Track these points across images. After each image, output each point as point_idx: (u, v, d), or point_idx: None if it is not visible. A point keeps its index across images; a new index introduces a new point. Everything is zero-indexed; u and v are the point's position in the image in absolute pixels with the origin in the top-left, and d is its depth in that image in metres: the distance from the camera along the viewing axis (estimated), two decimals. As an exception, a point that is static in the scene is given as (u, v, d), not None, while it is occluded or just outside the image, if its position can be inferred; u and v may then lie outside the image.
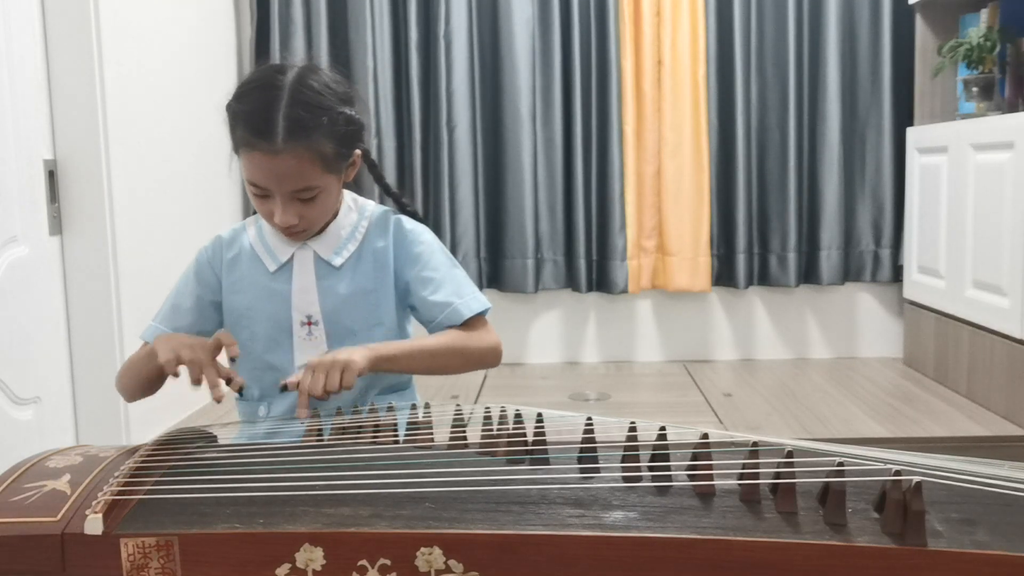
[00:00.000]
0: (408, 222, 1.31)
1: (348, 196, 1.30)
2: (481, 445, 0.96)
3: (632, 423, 0.91)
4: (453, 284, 1.27)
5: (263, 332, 1.26)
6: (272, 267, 1.26)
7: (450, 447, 0.97)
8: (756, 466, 0.84)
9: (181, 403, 2.42)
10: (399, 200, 1.37)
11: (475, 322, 1.26)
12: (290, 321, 1.25)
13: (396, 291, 1.28)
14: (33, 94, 1.93)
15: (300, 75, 1.16)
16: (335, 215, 1.27)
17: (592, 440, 0.91)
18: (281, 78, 1.15)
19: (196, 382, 1.09)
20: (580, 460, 0.90)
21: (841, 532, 0.78)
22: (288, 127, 1.11)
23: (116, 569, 0.81)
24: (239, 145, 1.16)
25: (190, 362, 1.09)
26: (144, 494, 0.87)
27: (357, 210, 1.30)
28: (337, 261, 1.25)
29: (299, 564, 0.79)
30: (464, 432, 0.99)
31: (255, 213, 1.25)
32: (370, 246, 1.27)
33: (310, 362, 1.10)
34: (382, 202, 1.40)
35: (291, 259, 1.25)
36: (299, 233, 1.22)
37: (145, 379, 1.23)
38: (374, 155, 2.58)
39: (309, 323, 1.24)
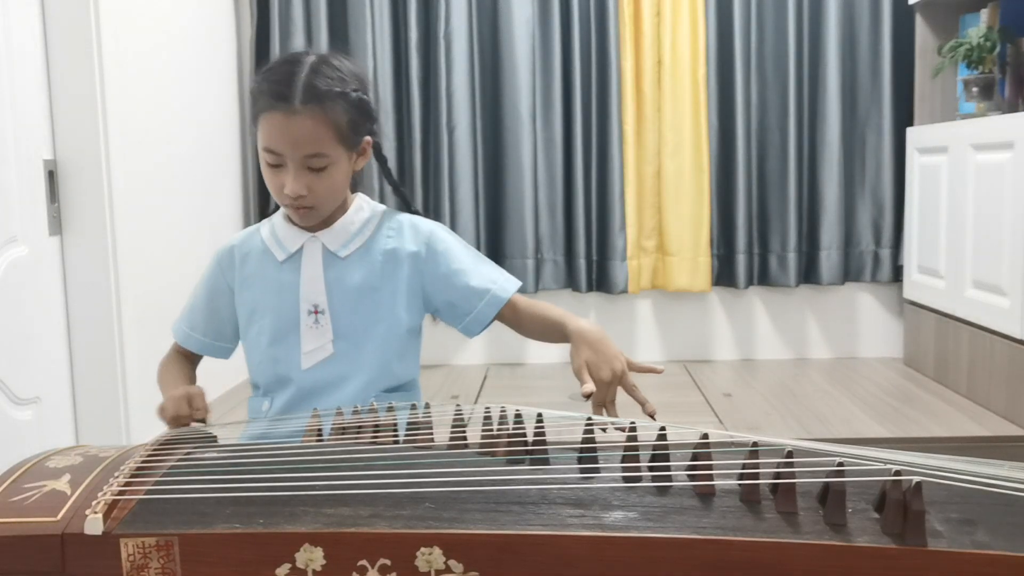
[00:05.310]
0: (424, 222, 1.33)
1: (361, 198, 1.33)
2: (481, 445, 0.96)
3: (632, 423, 0.91)
4: (484, 270, 1.31)
5: (271, 326, 1.28)
6: (281, 256, 1.29)
7: (450, 447, 0.97)
8: (756, 466, 0.84)
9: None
10: (405, 197, 1.42)
11: (518, 300, 1.31)
12: (297, 313, 1.27)
13: (409, 292, 1.29)
14: (33, 94, 1.93)
15: (324, 56, 1.24)
16: (344, 210, 1.29)
17: (592, 440, 0.91)
18: (306, 56, 1.23)
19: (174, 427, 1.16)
20: (580, 460, 0.90)
21: (841, 532, 0.78)
22: (306, 90, 1.17)
23: (116, 569, 0.81)
24: (259, 112, 1.20)
25: (172, 418, 1.16)
26: (144, 494, 0.86)
27: (369, 211, 1.33)
28: (343, 253, 1.28)
29: (299, 564, 0.79)
30: (464, 432, 0.99)
31: (259, 216, 1.28)
32: (380, 245, 1.30)
33: (602, 377, 1.14)
34: (384, 200, 1.43)
35: (300, 250, 1.28)
36: (308, 210, 1.23)
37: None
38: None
39: (316, 312, 1.27)
